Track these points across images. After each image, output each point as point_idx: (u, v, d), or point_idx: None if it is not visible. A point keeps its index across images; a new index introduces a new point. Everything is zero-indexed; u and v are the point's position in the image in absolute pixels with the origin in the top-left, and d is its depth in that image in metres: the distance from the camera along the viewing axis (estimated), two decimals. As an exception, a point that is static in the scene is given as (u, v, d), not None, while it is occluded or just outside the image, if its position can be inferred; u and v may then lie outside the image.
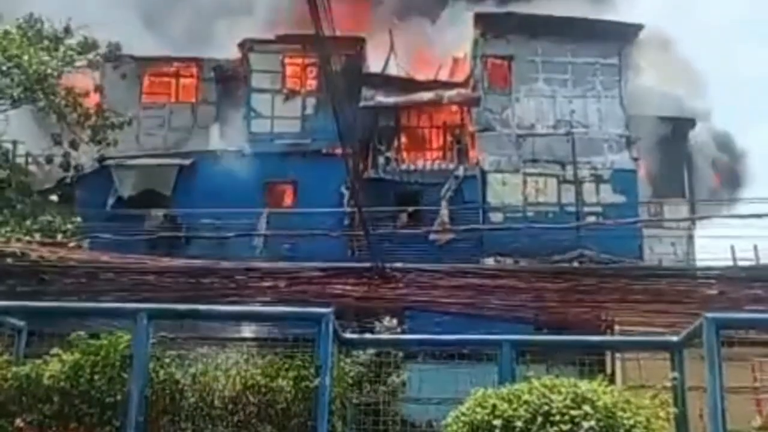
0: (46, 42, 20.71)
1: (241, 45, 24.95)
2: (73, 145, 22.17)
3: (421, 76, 25.55)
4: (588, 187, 23.97)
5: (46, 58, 20.03)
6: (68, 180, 23.67)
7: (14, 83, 19.67)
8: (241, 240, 20.27)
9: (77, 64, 21.51)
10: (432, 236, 22.19)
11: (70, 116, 21.52)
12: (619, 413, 5.62)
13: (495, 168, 24.15)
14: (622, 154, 24.19)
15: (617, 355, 12.95)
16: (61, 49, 20.92)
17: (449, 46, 26.09)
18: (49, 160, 22.70)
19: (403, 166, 24.33)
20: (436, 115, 25.27)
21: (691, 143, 25.77)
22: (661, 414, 6.03)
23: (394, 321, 14.82)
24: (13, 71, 19.59)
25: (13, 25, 20.42)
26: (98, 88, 23.09)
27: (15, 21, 20.66)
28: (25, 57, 19.52)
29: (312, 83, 25.03)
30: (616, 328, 12.43)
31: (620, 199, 23.62)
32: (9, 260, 12.82)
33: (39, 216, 18.32)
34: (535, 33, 24.84)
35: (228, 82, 25.52)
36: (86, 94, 21.97)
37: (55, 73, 20.27)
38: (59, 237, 16.88)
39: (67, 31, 21.51)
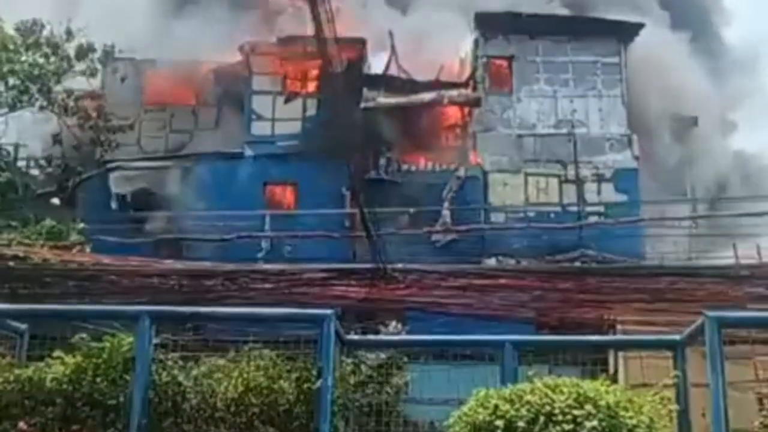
0: (44, 47, 20.69)
1: (242, 47, 24.94)
2: (75, 147, 22.18)
3: (422, 77, 25.52)
4: (590, 187, 23.94)
5: (42, 60, 20.01)
6: (70, 183, 23.70)
7: (9, 87, 19.66)
8: (242, 242, 20.29)
9: (76, 68, 21.53)
10: (433, 237, 22.18)
11: (71, 118, 21.56)
12: (622, 413, 5.62)
13: (496, 168, 24.12)
14: (624, 153, 24.17)
15: (620, 354, 12.96)
16: (59, 53, 20.92)
17: (451, 47, 26.05)
18: (50, 160, 22.69)
19: (405, 167, 24.32)
20: (438, 115, 25.25)
21: (694, 141, 25.73)
22: (664, 413, 6.03)
23: (400, 326, 14.80)
24: (7, 75, 19.58)
25: (10, 28, 20.41)
26: (98, 93, 23.07)
27: (13, 24, 20.65)
28: (23, 59, 19.53)
29: (313, 85, 25.03)
30: (618, 327, 12.43)
31: (622, 198, 23.60)
32: (11, 263, 12.83)
33: (41, 220, 18.32)
34: (536, 33, 24.80)
35: (229, 85, 25.52)
36: (86, 97, 21.99)
37: (52, 76, 20.27)
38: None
39: (69, 33, 21.53)
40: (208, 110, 25.76)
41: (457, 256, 19.37)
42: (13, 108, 20.16)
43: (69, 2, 23.60)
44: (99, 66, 22.47)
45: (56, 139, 21.99)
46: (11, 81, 19.55)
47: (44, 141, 23.23)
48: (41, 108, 20.71)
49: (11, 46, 19.57)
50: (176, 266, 14.07)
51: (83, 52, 21.67)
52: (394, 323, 14.49)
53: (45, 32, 21.16)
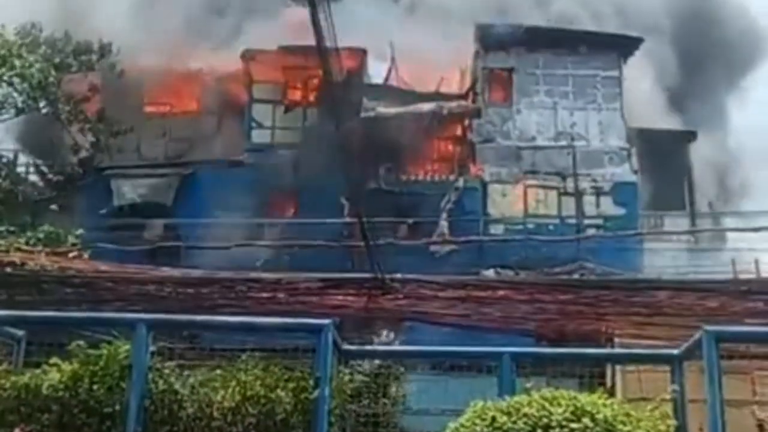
0: (43, 48, 20.73)
1: (243, 55, 24.98)
2: (75, 151, 22.17)
3: (422, 88, 25.56)
4: (588, 200, 23.97)
5: (44, 64, 20.03)
6: (69, 189, 23.66)
7: (18, 92, 19.70)
8: (240, 250, 20.24)
9: (73, 69, 21.54)
10: (432, 247, 22.16)
11: (73, 124, 21.58)
12: (619, 426, 5.61)
13: (495, 179, 24.15)
14: (623, 167, 24.19)
15: (617, 367, 12.93)
16: (58, 54, 20.96)
17: (451, 58, 26.09)
18: (50, 167, 22.64)
19: (404, 177, 24.32)
20: (437, 126, 25.28)
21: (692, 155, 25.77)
22: (661, 427, 6.02)
23: (392, 335, 14.76)
24: (14, 80, 19.61)
25: (11, 32, 20.43)
26: (96, 89, 22.99)
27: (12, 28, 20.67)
28: (27, 65, 19.54)
29: (313, 94, 25.05)
30: (616, 340, 12.41)
31: (621, 211, 23.62)
32: (8, 269, 12.81)
33: (39, 227, 18.27)
34: (536, 45, 24.87)
35: (229, 93, 25.53)
36: (86, 99, 21.98)
37: (56, 81, 20.31)
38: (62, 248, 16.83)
39: (67, 36, 21.57)
40: (208, 118, 25.76)
41: (455, 268, 19.35)
42: (21, 112, 20.20)
43: (66, 9, 23.63)
44: (95, 61, 22.44)
45: (55, 146, 21.97)
46: (20, 86, 19.55)
47: (45, 147, 23.19)
48: (47, 116, 20.73)
49: (14, 54, 19.59)
50: (174, 274, 14.03)
51: (81, 48, 21.70)
52: (385, 332, 14.46)
53: (44, 34, 21.20)
